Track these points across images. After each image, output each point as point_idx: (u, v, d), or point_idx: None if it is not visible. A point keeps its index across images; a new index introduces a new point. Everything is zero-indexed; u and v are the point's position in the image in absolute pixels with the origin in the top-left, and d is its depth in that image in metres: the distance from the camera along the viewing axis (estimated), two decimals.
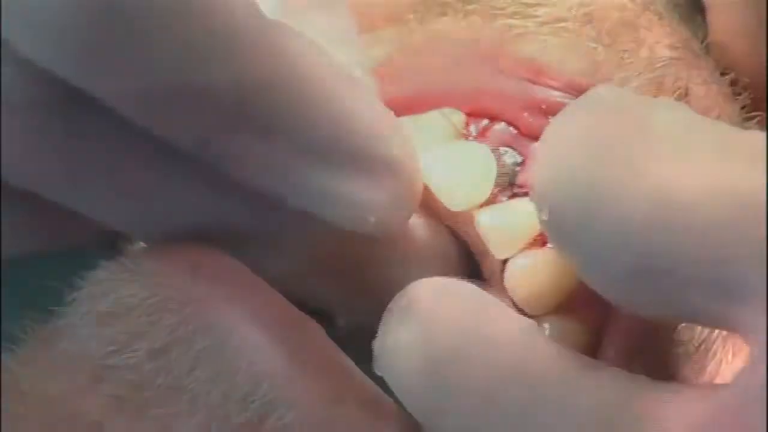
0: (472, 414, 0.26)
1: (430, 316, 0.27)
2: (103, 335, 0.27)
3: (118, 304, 0.28)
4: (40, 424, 0.27)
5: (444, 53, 0.34)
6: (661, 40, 0.34)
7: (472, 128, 0.34)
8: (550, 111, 0.33)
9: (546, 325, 0.32)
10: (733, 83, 0.35)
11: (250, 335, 0.27)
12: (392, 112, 0.30)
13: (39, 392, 0.27)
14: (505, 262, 0.32)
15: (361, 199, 0.28)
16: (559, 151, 0.27)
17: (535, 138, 0.33)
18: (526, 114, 0.34)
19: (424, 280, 0.29)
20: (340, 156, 0.28)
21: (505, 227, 0.32)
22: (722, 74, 0.35)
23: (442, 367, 0.27)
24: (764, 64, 0.34)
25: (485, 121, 0.34)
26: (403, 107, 0.34)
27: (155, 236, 0.29)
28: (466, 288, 0.29)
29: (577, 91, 0.33)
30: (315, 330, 0.29)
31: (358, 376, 0.29)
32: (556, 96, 0.33)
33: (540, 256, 0.32)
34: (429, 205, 0.33)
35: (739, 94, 0.35)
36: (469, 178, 0.33)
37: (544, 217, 0.27)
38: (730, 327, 0.26)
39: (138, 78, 0.25)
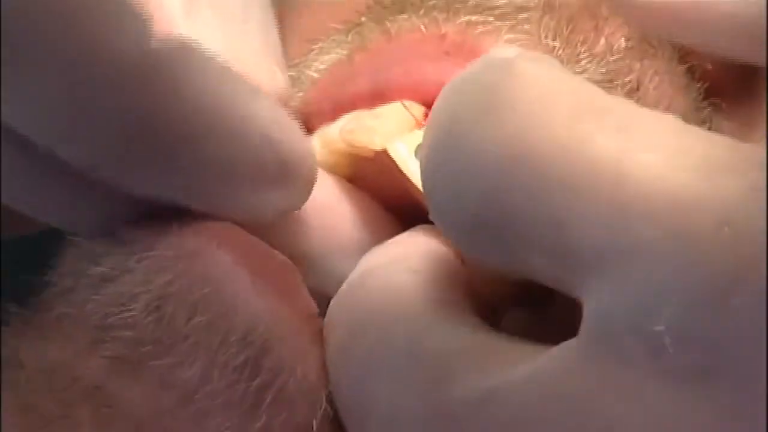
0: (339, 345, 0.28)
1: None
2: (99, 297, 0.28)
3: (111, 268, 0.28)
4: (41, 391, 0.27)
5: (406, 49, 0.34)
6: (618, 29, 0.35)
7: None
8: None
9: None
10: (690, 71, 0.35)
11: (242, 281, 0.28)
12: (287, 113, 0.30)
13: (37, 360, 0.28)
14: None
15: (258, 204, 0.29)
16: (443, 93, 0.27)
17: None
18: None
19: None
20: (235, 171, 0.28)
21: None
22: (680, 62, 0.35)
23: (345, 291, 0.29)
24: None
25: None
26: (360, 103, 0.34)
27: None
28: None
29: None
30: (295, 274, 0.30)
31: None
32: None
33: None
34: (405, 191, 0.33)
35: (697, 82, 0.35)
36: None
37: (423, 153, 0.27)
38: (572, 293, 0.25)
39: (28, 102, 0.26)
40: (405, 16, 0.35)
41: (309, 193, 0.31)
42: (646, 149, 0.24)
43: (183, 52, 0.27)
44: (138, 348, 0.27)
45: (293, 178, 0.30)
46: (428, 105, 0.34)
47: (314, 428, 0.28)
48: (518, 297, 0.31)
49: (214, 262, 0.28)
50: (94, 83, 0.25)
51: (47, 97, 0.25)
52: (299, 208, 0.31)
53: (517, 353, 0.25)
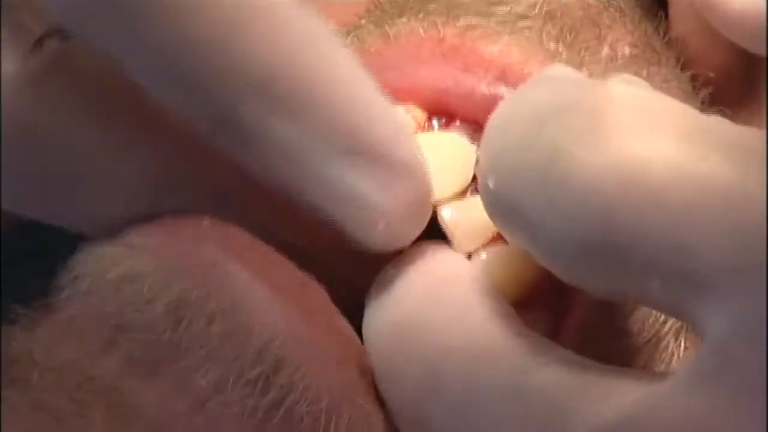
0: (423, 382, 0.27)
1: (402, 284, 0.28)
2: (116, 298, 0.28)
3: (129, 271, 0.28)
4: (54, 389, 0.27)
5: (405, 52, 0.34)
6: (622, 38, 0.35)
7: (435, 123, 0.34)
8: None
9: None
10: (693, 78, 0.35)
11: (261, 296, 0.28)
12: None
13: (51, 359, 0.28)
14: (469, 257, 0.32)
15: (375, 201, 0.28)
16: (511, 118, 0.27)
17: None
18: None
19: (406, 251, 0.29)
20: (362, 148, 0.27)
21: (468, 222, 0.32)
22: (683, 69, 0.35)
23: (404, 332, 0.28)
24: (725, 58, 0.34)
25: (443, 119, 0.34)
26: None
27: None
28: (443, 264, 0.29)
29: None
30: (319, 292, 0.30)
31: (357, 342, 0.29)
32: None
33: (501, 251, 0.32)
34: None
35: (700, 89, 0.35)
36: (451, 165, 0.33)
37: (491, 185, 0.26)
38: (685, 318, 0.25)
39: (160, 52, 0.26)
40: (404, 19, 0.35)
41: (424, 220, 0.30)
42: (760, 168, 0.24)
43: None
44: (153, 350, 0.28)
45: (413, 185, 0.29)
46: (424, 108, 0.34)
47: None
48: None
49: (234, 274, 0.28)
50: (229, 30, 0.26)
51: (182, 47, 0.26)
52: (411, 237, 0.30)
53: (620, 383, 0.25)
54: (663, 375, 0.25)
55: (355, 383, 0.29)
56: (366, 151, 0.27)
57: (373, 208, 0.28)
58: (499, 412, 0.26)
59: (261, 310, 0.28)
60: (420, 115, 0.34)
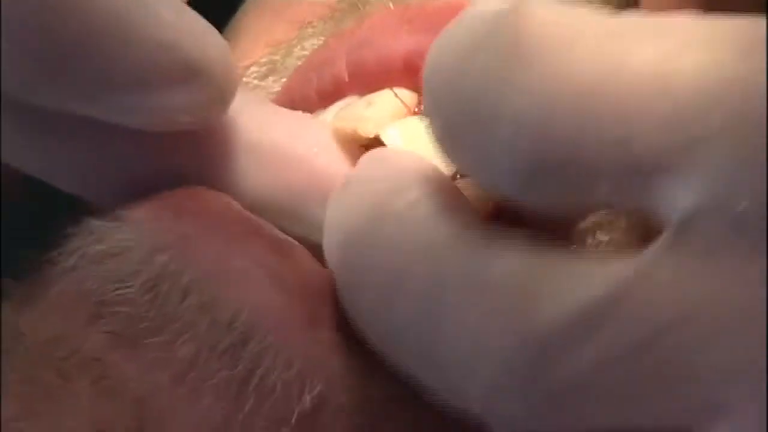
0: (383, 292, 0.27)
1: (354, 191, 0.29)
2: (100, 273, 0.29)
3: (112, 246, 0.29)
4: (41, 362, 0.28)
5: (373, 27, 0.35)
6: None
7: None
8: None
9: None
10: None
11: (233, 264, 0.28)
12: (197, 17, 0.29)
13: (38, 332, 0.28)
14: None
15: (172, 105, 0.28)
16: (443, 54, 0.26)
17: None
18: None
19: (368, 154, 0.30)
20: (130, 77, 0.28)
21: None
22: None
23: (355, 242, 0.28)
24: None
25: None
26: (345, 86, 0.35)
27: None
28: (398, 163, 0.29)
29: None
30: (299, 254, 0.30)
31: (336, 300, 0.29)
32: None
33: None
34: None
35: None
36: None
37: (437, 124, 0.26)
38: (641, 208, 0.25)
39: None
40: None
41: (227, 95, 0.30)
42: (683, 46, 0.24)
43: None
44: (135, 324, 0.28)
45: (200, 79, 0.28)
46: (394, 79, 0.34)
47: (296, 417, 0.28)
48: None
49: (208, 244, 0.29)
50: None
51: None
52: (221, 113, 0.30)
53: (583, 266, 0.25)
54: (624, 257, 0.25)
55: (329, 344, 0.29)
56: (143, 73, 0.28)
57: (173, 110, 0.28)
58: (463, 306, 0.25)
59: (231, 281, 0.28)
60: (409, 98, 0.34)
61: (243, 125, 0.31)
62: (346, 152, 0.35)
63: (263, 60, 0.38)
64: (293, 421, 0.28)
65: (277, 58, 0.38)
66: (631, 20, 0.25)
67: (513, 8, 0.26)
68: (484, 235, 0.26)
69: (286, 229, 0.30)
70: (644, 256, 0.24)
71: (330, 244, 0.29)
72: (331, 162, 0.32)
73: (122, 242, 0.29)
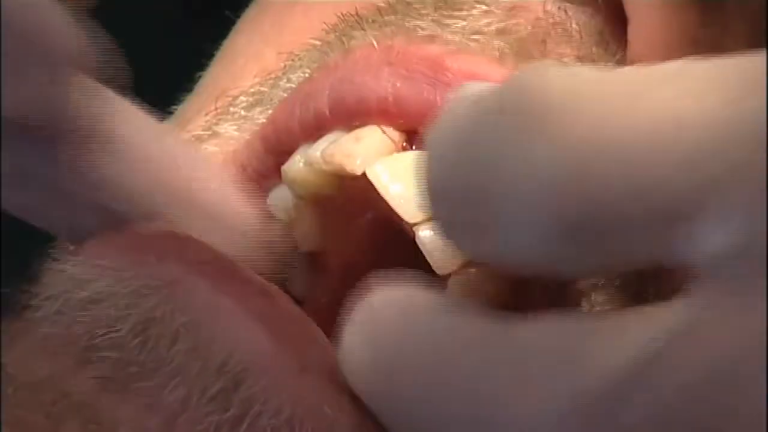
0: (427, 392, 0.26)
1: (376, 317, 0.28)
2: (86, 319, 0.29)
3: (96, 293, 0.29)
4: (30, 405, 0.28)
5: (355, 65, 0.35)
6: (567, 54, 0.35)
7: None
8: None
9: None
10: None
11: (221, 311, 0.28)
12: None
13: (26, 375, 0.28)
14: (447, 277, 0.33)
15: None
16: (444, 136, 0.26)
17: None
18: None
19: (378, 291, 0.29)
20: None
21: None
22: None
23: (387, 359, 0.27)
24: None
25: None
26: (326, 121, 0.35)
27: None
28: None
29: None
30: (282, 299, 0.30)
31: (324, 345, 0.30)
32: None
33: (480, 272, 0.32)
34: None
35: None
36: None
37: (445, 211, 0.26)
38: (672, 257, 0.25)
39: None
40: (362, 32, 0.36)
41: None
42: (691, 89, 0.24)
43: None
44: (124, 369, 0.28)
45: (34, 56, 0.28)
46: (399, 128, 0.34)
47: None
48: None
49: (197, 290, 0.29)
50: None
51: None
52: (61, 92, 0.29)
53: (620, 320, 0.24)
54: (659, 307, 0.24)
55: (320, 390, 0.29)
56: None
57: None
58: (512, 381, 0.25)
59: (220, 324, 0.28)
60: (396, 136, 0.34)
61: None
62: (337, 184, 0.35)
63: (251, 90, 0.38)
64: None
65: (264, 89, 0.38)
66: (632, 71, 0.25)
67: (518, 76, 0.25)
68: (508, 313, 0.26)
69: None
70: (681, 303, 0.24)
71: (359, 361, 0.28)
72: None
73: (106, 288, 0.29)
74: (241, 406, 0.28)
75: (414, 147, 0.34)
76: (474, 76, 0.33)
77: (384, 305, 0.28)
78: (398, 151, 0.34)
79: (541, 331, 0.25)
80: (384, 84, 0.34)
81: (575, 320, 0.25)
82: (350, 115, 0.35)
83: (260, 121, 0.37)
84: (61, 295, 0.30)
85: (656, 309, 0.24)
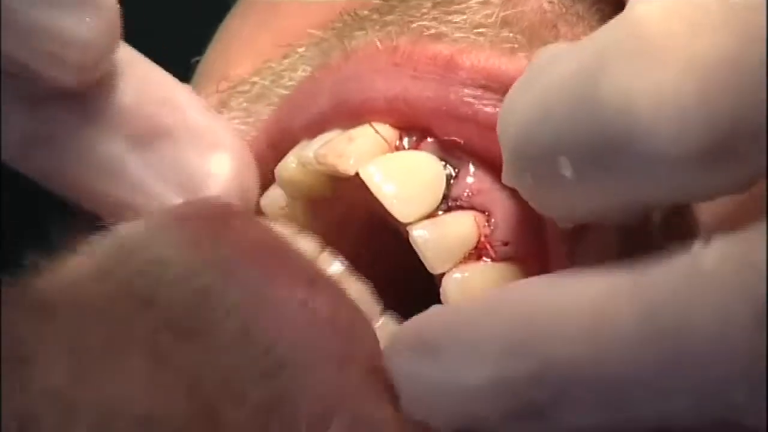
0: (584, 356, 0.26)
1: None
2: (152, 275, 0.30)
3: (156, 257, 0.30)
4: (94, 334, 0.29)
5: (362, 64, 0.35)
6: (578, 36, 0.34)
7: (405, 141, 0.35)
8: (472, 117, 0.33)
9: None
10: None
11: (270, 294, 0.29)
12: None
13: (95, 311, 0.29)
14: (441, 276, 0.32)
15: (63, 33, 0.30)
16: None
17: (466, 151, 0.33)
18: (450, 123, 0.34)
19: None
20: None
21: (440, 241, 0.32)
22: None
23: (520, 341, 0.27)
24: None
25: (414, 137, 0.35)
26: (328, 120, 0.35)
27: None
28: None
29: (494, 80, 0.33)
30: (331, 288, 0.31)
31: (369, 338, 0.30)
32: (470, 93, 0.33)
33: (475, 270, 0.32)
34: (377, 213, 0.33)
35: None
36: (421, 184, 0.33)
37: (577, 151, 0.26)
38: None
39: None
40: (363, 32, 0.35)
41: (113, 44, 0.31)
42: None
43: None
44: (185, 321, 0.29)
45: (98, 13, 0.30)
46: (395, 125, 0.34)
47: None
48: None
49: (248, 273, 0.30)
50: None
51: None
52: (104, 58, 0.31)
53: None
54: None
55: (356, 385, 0.29)
56: None
57: (62, 39, 0.30)
58: None
59: (268, 311, 0.29)
60: (390, 134, 0.34)
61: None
62: (330, 184, 0.35)
63: (254, 80, 0.38)
64: None
65: (266, 83, 0.37)
66: None
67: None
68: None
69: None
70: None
71: (468, 362, 0.28)
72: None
73: (164, 255, 0.30)
74: (280, 390, 0.28)
75: (417, 145, 0.34)
76: (487, 70, 0.33)
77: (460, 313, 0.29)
78: (391, 150, 0.34)
79: (715, 263, 0.25)
80: (393, 85, 0.34)
81: (744, 243, 0.25)
82: (353, 115, 0.35)
83: (264, 117, 0.37)
84: (123, 254, 0.31)
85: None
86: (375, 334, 0.31)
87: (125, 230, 0.31)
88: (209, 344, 0.29)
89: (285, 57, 0.38)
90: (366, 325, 0.31)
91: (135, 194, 0.32)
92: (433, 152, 0.34)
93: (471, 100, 0.33)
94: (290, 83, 0.37)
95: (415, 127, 0.34)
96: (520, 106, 0.28)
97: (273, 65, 0.38)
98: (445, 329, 0.28)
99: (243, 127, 0.37)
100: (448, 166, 0.34)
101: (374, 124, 0.34)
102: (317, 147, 0.35)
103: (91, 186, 0.32)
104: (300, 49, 0.37)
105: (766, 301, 0.24)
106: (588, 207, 0.27)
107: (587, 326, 0.26)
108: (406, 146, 0.34)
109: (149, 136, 0.32)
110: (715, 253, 0.25)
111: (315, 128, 0.35)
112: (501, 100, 0.31)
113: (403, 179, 0.33)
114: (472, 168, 0.34)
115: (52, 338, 0.28)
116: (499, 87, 0.33)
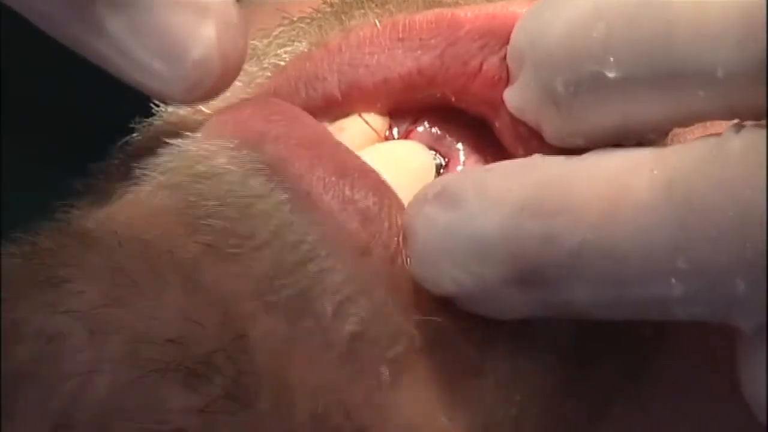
0: (595, 226, 0.27)
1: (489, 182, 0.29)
2: (199, 190, 0.31)
3: (207, 170, 0.31)
4: (134, 256, 0.29)
5: (364, 45, 0.34)
6: None
7: (395, 131, 0.35)
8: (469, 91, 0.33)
9: None
10: None
11: (309, 190, 0.30)
12: None
13: (134, 235, 0.29)
14: None
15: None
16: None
17: (457, 138, 0.33)
18: (451, 96, 0.34)
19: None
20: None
21: None
22: None
23: (534, 208, 0.28)
24: None
25: (406, 125, 0.35)
26: (337, 105, 0.34)
27: None
28: None
29: (492, 34, 0.33)
30: (370, 174, 0.31)
31: (391, 228, 0.30)
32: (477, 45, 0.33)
33: None
34: None
35: None
36: (409, 175, 0.33)
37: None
38: None
39: None
40: (362, 11, 0.35)
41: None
42: None
43: None
44: (226, 238, 0.30)
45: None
46: (388, 110, 0.34)
47: (345, 341, 0.29)
48: None
49: (292, 169, 0.31)
50: None
51: None
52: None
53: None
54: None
55: (375, 273, 0.30)
56: None
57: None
58: None
59: (305, 205, 0.30)
60: (380, 123, 0.34)
61: None
62: None
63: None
64: (341, 344, 0.29)
65: (257, 43, 0.37)
66: None
67: None
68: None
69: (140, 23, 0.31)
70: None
71: (486, 218, 0.28)
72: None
73: (214, 168, 0.31)
74: (308, 281, 0.29)
75: (407, 135, 0.34)
76: (492, 19, 0.33)
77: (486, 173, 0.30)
78: (381, 140, 0.34)
79: (743, 145, 0.25)
80: (403, 60, 0.34)
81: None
82: (364, 99, 0.34)
83: (258, 76, 0.36)
84: (178, 169, 0.32)
85: None
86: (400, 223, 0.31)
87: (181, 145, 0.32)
88: (246, 255, 0.29)
89: (280, 25, 0.37)
90: (397, 211, 0.31)
91: (118, 56, 0.30)
92: (424, 141, 0.34)
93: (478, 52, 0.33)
94: (286, 56, 0.36)
95: (405, 108, 0.34)
96: (563, 7, 0.28)
97: (267, 30, 0.37)
98: (472, 183, 0.29)
99: (238, 83, 0.36)
100: (437, 155, 0.34)
101: (363, 114, 0.34)
102: None
103: (78, 38, 0.31)
104: (295, 19, 0.37)
105: None
106: (622, 115, 0.28)
107: (603, 194, 0.26)
108: (396, 136, 0.34)
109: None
110: (745, 140, 0.25)
111: (320, 111, 0.34)
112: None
113: (392, 169, 0.32)
114: (462, 157, 0.34)
115: (93, 264, 0.28)
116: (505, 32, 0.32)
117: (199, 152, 0.32)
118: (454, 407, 0.30)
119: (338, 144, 0.32)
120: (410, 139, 0.34)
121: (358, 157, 0.32)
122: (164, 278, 0.28)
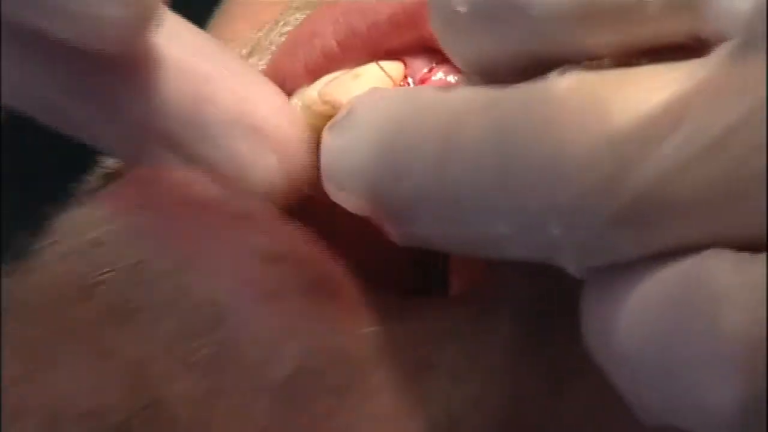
0: (437, 157, 0.27)
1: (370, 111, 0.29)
2: (90, 259, 0.29)
3: (96, 237, 0.30)
4: (39, 330, 0.28)
5: None
6: None
7: (410, 80, 0.34)
8: None
9: None
10: None
11: (203, 250, 0.29)
12: None
13: (41, 299, 0.29)
14: None
15: (99, 13, 0.28)
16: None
17: None
18: None
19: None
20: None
21: None
22: None
23: (394, 128, 0.28)
24: None
25: (424, 70, 0.34)
26: (336, 58, 0.34)
27: None
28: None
29: None
30: (267, 215, 0.30)
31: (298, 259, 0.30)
32: None
33: None
34: None
35: None
36: None
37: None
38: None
39: None
40: None
41: (153, 17, 0.29)
42: None
43: None
44: (124, 303, 0.29)
45: None
46: (383, 43, 0.33)
47: (275, 384, 0.28)
48: None
49: (178, 235, 0.30)
50: None
51: None
52: (145, 33, 0.30)
53: (646, 74, 0.25)
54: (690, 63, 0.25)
55: (297, 312, 0.29)
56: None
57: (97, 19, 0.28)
58: (530, 134, 0.25)
59: (201, 267, 0.29)
60: (396, 70, 0.34)
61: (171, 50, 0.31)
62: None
63: (248, 37, 0.37)
64: (273, 388, 0.28)
65: (259, 35, 0.37)
66: None
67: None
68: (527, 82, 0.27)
69: (200, 152, 0.30)
70: (711, 60, 0.24)
71: (359, 147, 0.29)
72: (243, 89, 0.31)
73: (102, 234, 0.30)
74: (223, 343, 0.28)
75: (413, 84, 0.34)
76: None
77: (375, 101, 0.29)
78: (397, 87, 0.33)
79: (567, 82, 0.25)
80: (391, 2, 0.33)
81: (598, 74, 0.25)
82: (361, 47, 0.34)
83: (260, 69, 0.36)
84: (68, 239, 0.30)
85: (686, 64, 0.25)
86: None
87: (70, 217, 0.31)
88: (149, 319, 0.28)
89: (281, 13, 0.37)
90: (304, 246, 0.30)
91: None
92: None
93: None
94: (286, 29, 0.36)
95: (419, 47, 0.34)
96: None
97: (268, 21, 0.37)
98: (354, 109, 0.29)
99: None
100: None
101: (380, 62, 0.34)
102: (321, 87, 0.34)
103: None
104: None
105: (605, 137, 0.24)
106: (480, 48, 0.27)
107: (441, 132, 0.27)
108: (411, 84, 0.34)
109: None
110: (569, 81, 0.25)
111: (321, 68, 0.34)
112: None
113: None
114: None
115: (8, 338, 0.28)
116: None
117: (89, 217, 0.31)
118: (415, 406, 0.29)
119: (227, 193, 0.31)
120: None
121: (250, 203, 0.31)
122: (71, 349, 0.28)
